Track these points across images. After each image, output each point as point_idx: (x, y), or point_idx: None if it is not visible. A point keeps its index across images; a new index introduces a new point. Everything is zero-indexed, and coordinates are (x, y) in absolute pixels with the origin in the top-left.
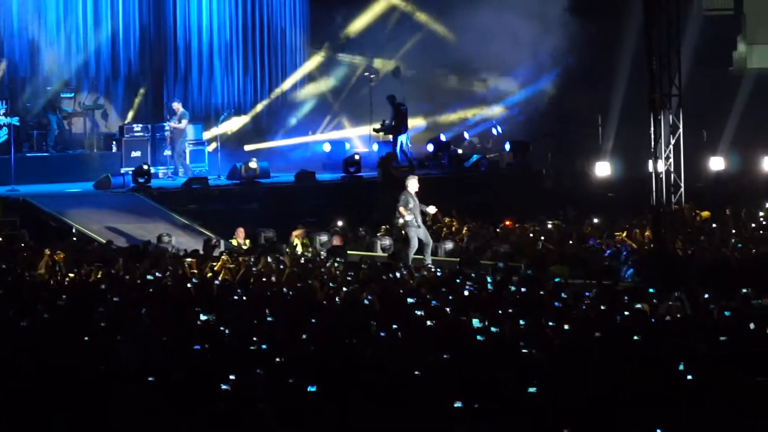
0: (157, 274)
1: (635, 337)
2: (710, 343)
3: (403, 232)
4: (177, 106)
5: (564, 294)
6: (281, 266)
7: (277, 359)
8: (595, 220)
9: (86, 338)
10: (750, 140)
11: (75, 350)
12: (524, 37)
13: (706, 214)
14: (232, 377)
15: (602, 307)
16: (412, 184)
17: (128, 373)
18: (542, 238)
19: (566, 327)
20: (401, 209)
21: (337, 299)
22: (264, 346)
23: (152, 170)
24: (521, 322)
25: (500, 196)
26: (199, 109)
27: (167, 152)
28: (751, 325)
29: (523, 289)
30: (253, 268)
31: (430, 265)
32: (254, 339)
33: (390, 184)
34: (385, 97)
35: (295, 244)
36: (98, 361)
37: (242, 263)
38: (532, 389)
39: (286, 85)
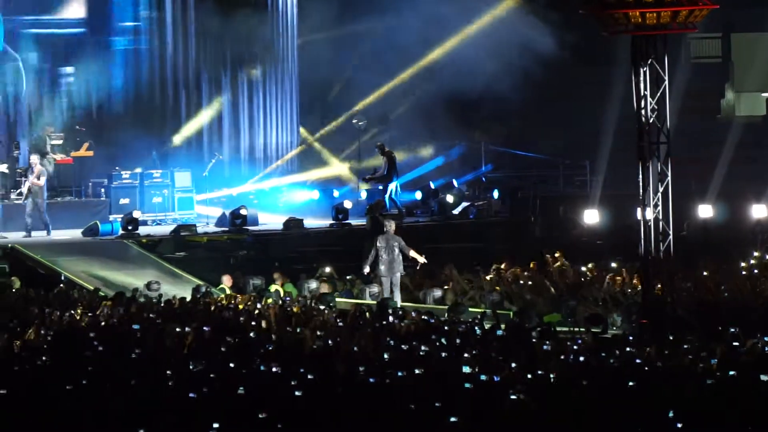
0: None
1: (625, 385)
2: (698, 389)
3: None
4: (35, 160)
5: (551, 341)
6: (269, 313)
7: (266, 407)
8: (583, 268)
9: (73, 386)
10: (738, 188)
11: (63, 398)
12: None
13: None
14: (215, 425)
15: (590, 355)
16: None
17: (117, 421)
18: (529, 283)
19: (552, 375)
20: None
21: (327, 346)
22: (252, 394)
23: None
24: (510, 368)
25: (489, 244)
26: (185, 156)
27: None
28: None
29: (510, 337)
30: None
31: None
32: (242, 388)
33: (378, 232)
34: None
35: (274, 290)
36: (86, 408)
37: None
38: None
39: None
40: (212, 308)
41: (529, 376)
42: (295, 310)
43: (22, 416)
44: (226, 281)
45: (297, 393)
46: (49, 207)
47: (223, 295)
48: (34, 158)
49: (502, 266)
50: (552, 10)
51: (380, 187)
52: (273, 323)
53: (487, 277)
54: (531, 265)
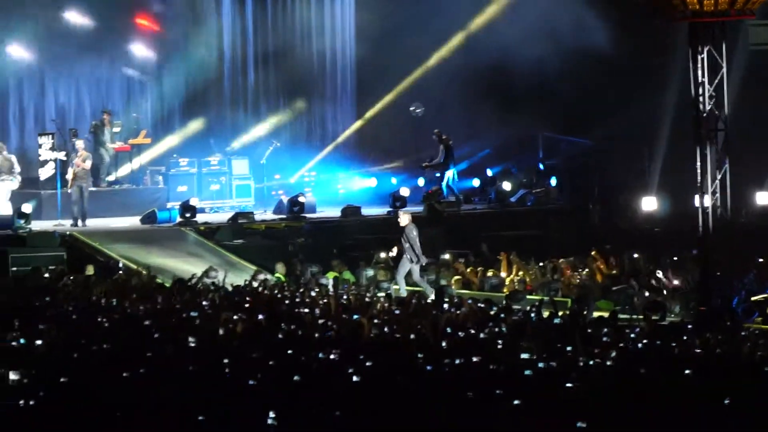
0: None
1: (683, 372)
2: (756, 376)
3: None
4: (80, 144)
5: (609, 329)
6: (326, 301)
7: (324, 395)
8: (635, 255)
9: (130, 373)
10: None
11: (120, 385)
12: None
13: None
14: (272, 414)
15: (647, 342)
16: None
17: (171, 410)
18: (586, 270)
19: (609, 363)
20: None
21: (384, 334)
22: (310, 382)
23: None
24: (567, 356)
25: (547, 231)
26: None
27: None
28: None
29: (568, 324)
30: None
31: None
32: (299, 375)
33: (434, 220)
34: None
35: (332, 277)
36: (144, 396)
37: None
38: (581, 424)
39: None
40: (268, 295)
41: (587, 363)
42: (352, 297)
43: (81, 403)
44: (280, 269)
45: (355, 379)
46: (107, 194)
47: (278, 282)
48: (80, 143)
49: (560, 260)
50: None
51: (437, 175)
52: (331, 310)
53: (541, 264)
54: (592, 253)
